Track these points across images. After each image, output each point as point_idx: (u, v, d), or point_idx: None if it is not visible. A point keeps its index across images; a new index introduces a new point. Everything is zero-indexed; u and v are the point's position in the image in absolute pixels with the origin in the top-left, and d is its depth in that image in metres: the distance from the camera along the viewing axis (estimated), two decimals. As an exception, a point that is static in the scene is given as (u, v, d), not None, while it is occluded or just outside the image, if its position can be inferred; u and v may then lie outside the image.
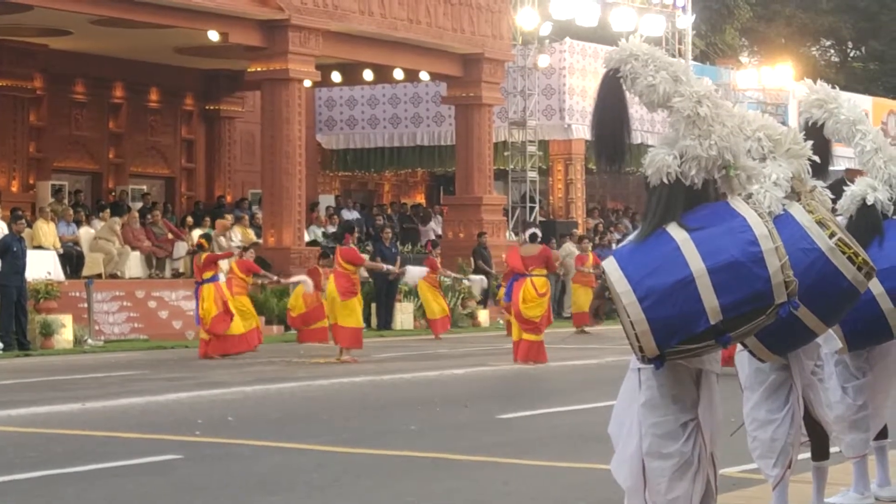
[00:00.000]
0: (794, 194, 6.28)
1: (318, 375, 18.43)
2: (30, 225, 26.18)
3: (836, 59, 63.67)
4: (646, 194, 6.13)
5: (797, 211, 6.19)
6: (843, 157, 8.57)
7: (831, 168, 7.45)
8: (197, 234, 29.83)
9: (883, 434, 8.26)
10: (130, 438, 12.09)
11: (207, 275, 22.00)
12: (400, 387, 17.25)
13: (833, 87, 7.72)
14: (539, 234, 21.52)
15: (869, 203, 7.63)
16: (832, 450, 7.60)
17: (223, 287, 22.11)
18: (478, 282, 30.85)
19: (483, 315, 31.28)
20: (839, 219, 7.51)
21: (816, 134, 7.41)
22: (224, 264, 23.22)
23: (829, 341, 7.51)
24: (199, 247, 22.83)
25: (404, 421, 13.26)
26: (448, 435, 12.38)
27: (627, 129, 6.12)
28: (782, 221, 6.09)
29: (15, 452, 11.28)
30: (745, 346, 6.53)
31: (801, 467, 7.48)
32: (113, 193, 33.10)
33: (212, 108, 36.12)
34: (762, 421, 7.16)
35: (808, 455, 7.50)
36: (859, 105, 7.94)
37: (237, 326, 22.03)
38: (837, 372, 7.97)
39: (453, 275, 30.10)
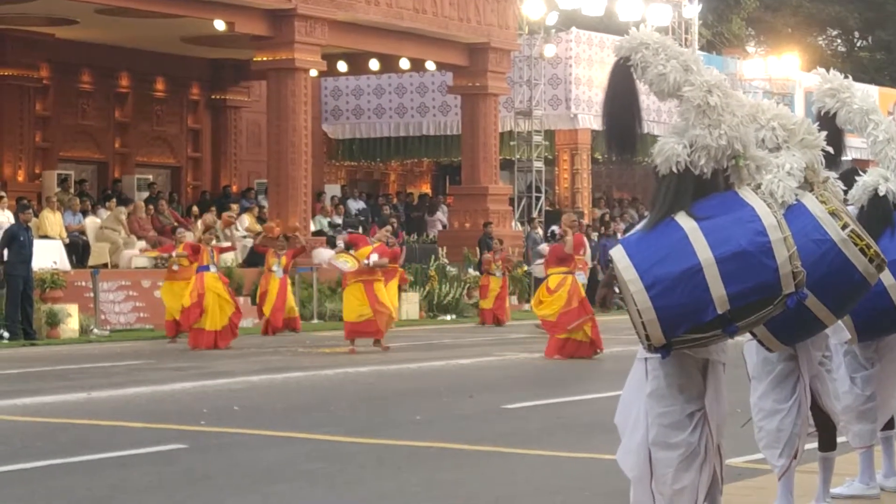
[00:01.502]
0: (807, 185, 6.25)
1: (324, 365, 18.44)
2: (36, 214, 26.18)
3: (843, 49, 63.60)
4: (654, 183, 6.10)
5: (810, 201, 6.16)
6: (850, 148, 8.54)
7: (843, 158, 7.43)
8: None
9: (890, 425, 8.23)
10: (136, 428, 12.09)
11: (197, 264, 22.13)
12: (405, 377, 17.25)
13: (846, 77, 7.69)
14: (556, 230, 21.44)
15: (881, 193, 7.59)
16: (838, 440, 7.59)
17: (208, 278, 21.95)
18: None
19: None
20: (850, 209, 7.48)
21: (829, 123, 7.38)
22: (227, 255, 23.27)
23: (838, 332, 7.49)
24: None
25: (409, 411, 13.26)
26: (453, 425, 12.38)
27: (639, 118, 6.09)
28: (795, 212, 6.06)
29: (21, 442, 11.29)
30: (753, 335, 6.51)
31: (807, 457, 7.46)
32: (119, 182, 33.11)
33: (218, 97, 36.11)
34: (769, 411, 7.14)
35: (814, 445, 7.49)
36: (871, 95, 7.90)
37: (210, 322, 21.76)
38: (846, 362, 7.94)
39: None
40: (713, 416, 6.12)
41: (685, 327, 5.77)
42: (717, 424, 6.15)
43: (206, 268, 22.09)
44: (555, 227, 21.32)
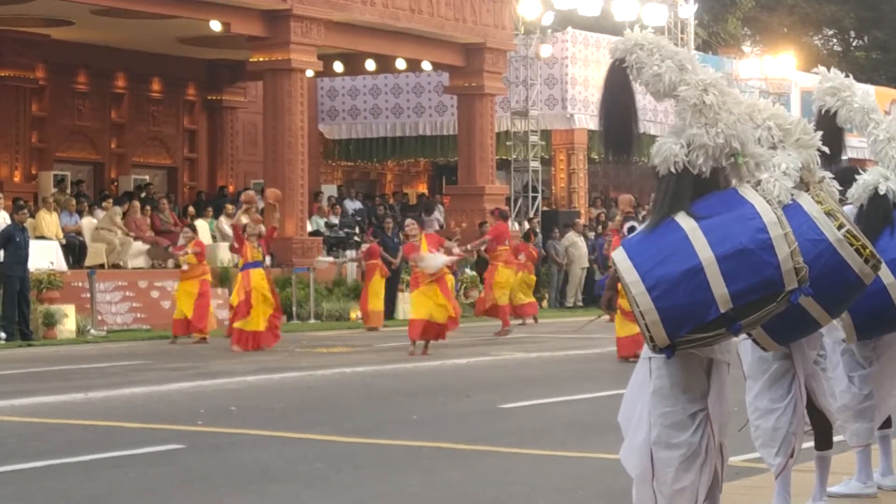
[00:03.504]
0: (803, 185, 6.26)
1: (321, 365, 18.44)
2: (32, 215, 26.17)
3: (839, 49, 63.61)
4: (655, 184, 6.10)
5: (806, 201, 6.16)
6: (849, 147, 8.53)
7: (843, 157, 7.43)
8: (200, 223, 29.86)
9: (887, 424, 8.24)
10: (133, 428, 12.10)
11: (243, 261, 21.61)
12: (402, 376, 17.26)
13: (847, 76, 7.68)
14: (637, 226, 21.31)
15: (881, 193, 7.59)
16: (835, 439, 7.60)
17: (254, 276, 21.33)
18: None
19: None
20: (849, 207, 7.49)
21: (829, 122, 7.38)
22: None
23: (833, 331, 7.50)
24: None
25: (406, 410, 13.27)
26: (450, 425, 12.38)
27: (635, 119, 6.09)
28: (791, 211, 6.06)
29: (17, 442, 11.29)
30: (749, 334, 6.51)
31: (804, 456, 7.47)
32: (115, 183, 33.12)
33: (214, 98, 36.10)
34: (764, 410, 7.15)
35: (811, 444, 7.50)
36: (871, 94, 7.89)
37: (254, 322, 21.30)
38: (844, 361, 7.94)
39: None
40: (716, 416, 6.12)
41: (689, 327, 5.77)
42: (720, 424, 6.15)
43: (255, 265, 21.48)
44: (634, 223, 21.40)
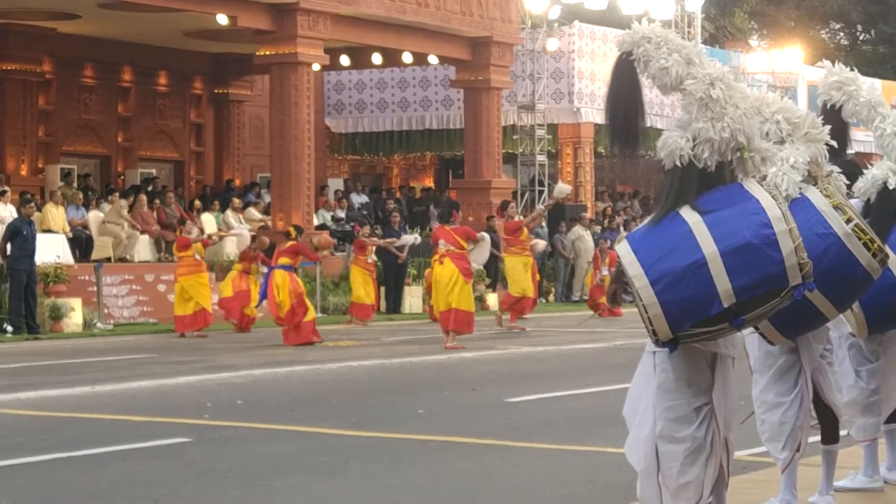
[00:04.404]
0: (811, 179, 6.25)
1: (328, 359, 18.45)
2: (39, 209, 26.19)
3: (846, 43, 63.55)
4: (662, 178, 6.11)
5: (814, 195, 6.15)
6: (854, 141, 8.50)
7: (848, 151, 7.41)
8: (206, 217, 29.90)
9: (893, 418, 8.23)
10: (140, 422, 12.11)
11: (284, 261, 21.41)
12: (408, 370, 17.27)
13: (852, 70, 7.66)
14: None
15: (890, 187, 7.57)
16: (842, 433, 7.59)
17: (297, 278, 21.61)
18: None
19: (492, 299, 31.04)
20: (856, 201, 7.47)
21: (834, 116, 7.36)
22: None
23: (839, 325, 7.49)
24: (287, 234, 22.17)
25: (412, 404, 13.27)
26: (456, 418, 12.39)
27: (641, 113, 6.09)
28: (799, 205, 6.06)
29: (25, 435, 11.30)
30: (756, 328, 6.50)
31: (810, 451, 7.46)
32: (121, 177, 33.15)
33: (221, 91, 36.12)
34: (771, 404, 7.15)
35: (817, 438, 7.49)
36: (877, 88, 7.87)
37: (310, 314, 21.40)
38: (851, 355, 7.93)
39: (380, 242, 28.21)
40: (720, 410, 6.11)
41: (691, 321, 5.76)
42: (725, 418, 6.15)
43: (291, 268, 21.60)
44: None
